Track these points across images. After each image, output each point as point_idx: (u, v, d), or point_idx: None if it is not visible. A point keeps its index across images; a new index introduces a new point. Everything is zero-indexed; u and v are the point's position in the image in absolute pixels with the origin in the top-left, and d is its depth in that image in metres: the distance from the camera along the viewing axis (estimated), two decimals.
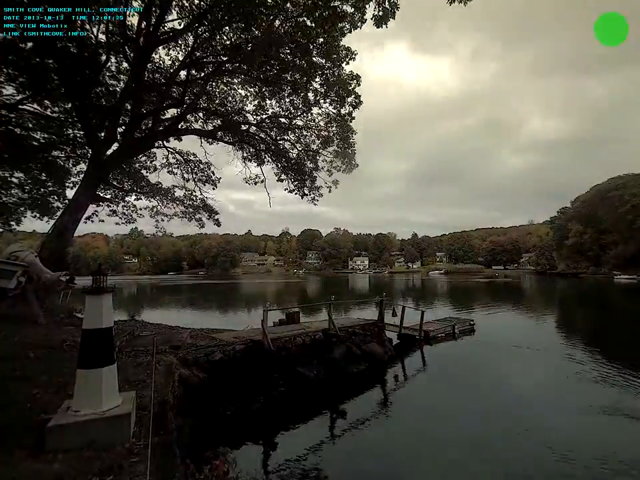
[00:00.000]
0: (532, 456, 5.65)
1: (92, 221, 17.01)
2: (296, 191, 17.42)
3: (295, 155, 17.22)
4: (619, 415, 7.24)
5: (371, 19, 9.18)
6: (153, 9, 11.77)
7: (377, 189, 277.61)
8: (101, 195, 15.77)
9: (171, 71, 14.30)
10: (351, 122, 15.80)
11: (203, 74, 14.30)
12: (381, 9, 8.72)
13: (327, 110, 15.53)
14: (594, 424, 6.94)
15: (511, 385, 9.38)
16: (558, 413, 7.30)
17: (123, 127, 14.37)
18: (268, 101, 15.91)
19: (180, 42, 13.85)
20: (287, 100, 15.48)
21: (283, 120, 16.39)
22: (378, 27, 9.10)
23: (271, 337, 8.96)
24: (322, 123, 16.21)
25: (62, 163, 15.94)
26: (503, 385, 9.48)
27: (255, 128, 16.54)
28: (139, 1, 11.61)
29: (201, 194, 18.19)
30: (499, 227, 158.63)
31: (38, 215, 16.37)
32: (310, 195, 17.52)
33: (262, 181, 17.92)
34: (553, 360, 11.48)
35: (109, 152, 13.41)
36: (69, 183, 16.61)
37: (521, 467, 5.38)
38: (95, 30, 12.00)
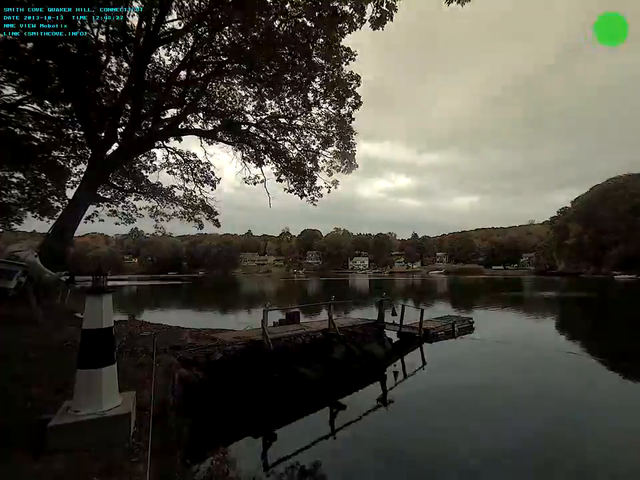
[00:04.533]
0: (528, 450, 5.65)
1: (92, 221, 17.07)
2: (295, 191, 17.43)
3: (294, 155, 17.25)
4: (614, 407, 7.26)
5: (369, 20, 9.12)
6: (153, 9, 11.78)
7: None
8: (101, 195, 15.80)
9: (171, 71, 14.30)
10: (350, 122, 15.81)
11: (202, 74, 14.31)
12: (378, 10, 8.65)
13: (326, 110, 15.57)
14: (595, 418, 6.95)
15: (509, 381, 9.41)
16: (557, 410, 7.31)
17: (123, 127, 14.38)
18: (268, 101, 15.95)
19: (180, 42, 13.87)
20: (287, 100, 15.49)
21: (282, 120, 16.40)
22: (375, 29, 9.03)
23: (271, 337, 8.96)
24: (322, 123, 16.24)
25: (62, 163, 15.95)
26: (500, 380, 9.52)
27: (254, 128, 16.56)
28: (139, 2, 11.62)
29: (201, 194, 18.24)
30: (499, 227, 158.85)
31: (38, 215, 16.40)
32: (309, 195, 17.55)
33: (262, 181, 17.95)
34: (552, 357, 11.49)
35: (109, 152, 13.43)
36: (69, 183, 16.66)
37: (519, 462, 5.39)
38: (95, 30, 12.01)
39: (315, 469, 5.33)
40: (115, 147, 13.68)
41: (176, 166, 17.87)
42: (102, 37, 12.34)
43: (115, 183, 16.49)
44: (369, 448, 6.06)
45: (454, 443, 6.12)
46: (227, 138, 16.69)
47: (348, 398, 8.38)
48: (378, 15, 8.82)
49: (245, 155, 17.65)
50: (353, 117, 15.49)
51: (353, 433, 6.63)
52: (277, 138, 17.06)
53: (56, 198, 16.48)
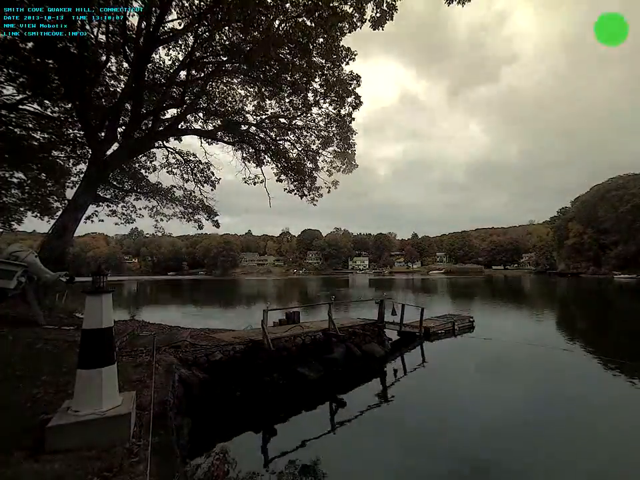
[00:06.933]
0: (528, 448, 5.65)
1: (92, 221, 17.06)
2: (295, 191, 17.42)
3: (294, 155, 17.23)
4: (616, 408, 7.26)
5: (369, 20, 9.12)
6: (153, 9, 11.77)
7: None
8: (101, 194, 15.78)
9: (171, 71, 14.30)
10: (351, 123, 15.81)
11: (202, 74, 14.30)
12: (378, 10, 8.65)
13: (326, 110, 15.56)
14: (594, 419, 6.95)
15: (510, 380, 9.43)
16: (557, 408, 7.31)
17: (123, 127, 14.38)
18: (268, 101, 15.95)
19: (180, 42, 13.87)
20: (287, 100, 15.49)
21: (282, 120, 16.39)
22: (374, 29, 9.03)
23: (271, 337, 8.95)
24: (322, 123, 16.23)
25: (62, 163, 15.96)
26: (499, 377, 9.55)
27: (254, 128, 16.55)
28: (139, 2, 11.62)
29: (201, 194, 18.22)
30: (499, 227, 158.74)
31: (38, 215, 16.41)
32: (309, 195, 17.54)
33: (262, 181, 17.92)
34: (551, 355, 11.50)
35: (109, 152, 13.42)
36: (69, 183, 16.67)
37: (519, 461, 5.39)
38: (95, 30, 12.01)
39: (315, 465, 5.33)
40: (115, 146, 13.67)
41: (176, 166, 17.86)
42: (102, 37, 12.34)
43: (114, 183, 16.47)
44: (368, 444, 6.07)
45: (453, 440, 6.12)
46: (227, 138, 16.68)
47: (348, 396, 8.38)
48: (378, 15, 8.82)
49: (244, 154, 17.63)
50: (353, 117, 15.50)
51: (353, 430, 6.64)
52: (277, 138, 17.04)
53: (56, 198, 16.49)
